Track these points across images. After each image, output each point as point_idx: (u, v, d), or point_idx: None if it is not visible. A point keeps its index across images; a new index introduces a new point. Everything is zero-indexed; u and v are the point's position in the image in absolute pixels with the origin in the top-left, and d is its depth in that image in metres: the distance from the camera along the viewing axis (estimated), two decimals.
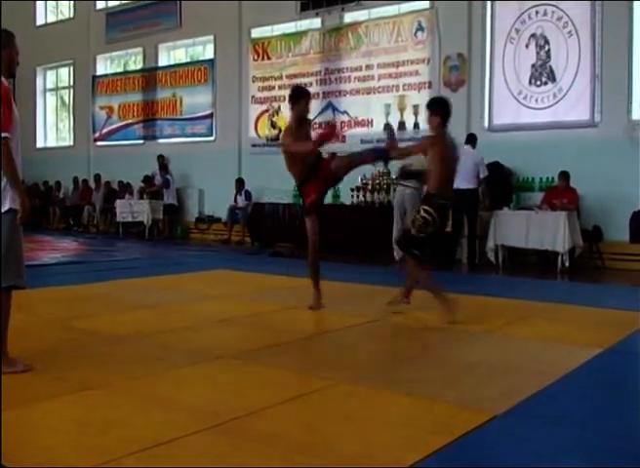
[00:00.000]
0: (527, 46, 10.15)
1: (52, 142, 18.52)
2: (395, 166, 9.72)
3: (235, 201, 13.07)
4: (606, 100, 9.43)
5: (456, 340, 4.84)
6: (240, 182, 13.15)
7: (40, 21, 18.29)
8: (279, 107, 13.14)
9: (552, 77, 9.92)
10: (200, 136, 14.53)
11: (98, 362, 3.99)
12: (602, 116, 9.47)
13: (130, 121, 16.04)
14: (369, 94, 11.88)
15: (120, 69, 16.80)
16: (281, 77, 13.07)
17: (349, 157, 6.02)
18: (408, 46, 11.35)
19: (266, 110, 13.36)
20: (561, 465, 2.65)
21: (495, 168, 9.76)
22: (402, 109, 11.51)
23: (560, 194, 9.10)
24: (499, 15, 10.44)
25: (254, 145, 13.57)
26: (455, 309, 5.12)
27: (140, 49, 15.86)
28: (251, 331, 5.02)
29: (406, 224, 6.34)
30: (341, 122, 12.02)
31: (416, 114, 11.35)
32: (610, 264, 9.17)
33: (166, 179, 14.11)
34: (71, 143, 17.71)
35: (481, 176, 9.20)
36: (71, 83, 17.79)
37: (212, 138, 14.34)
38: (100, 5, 16.82)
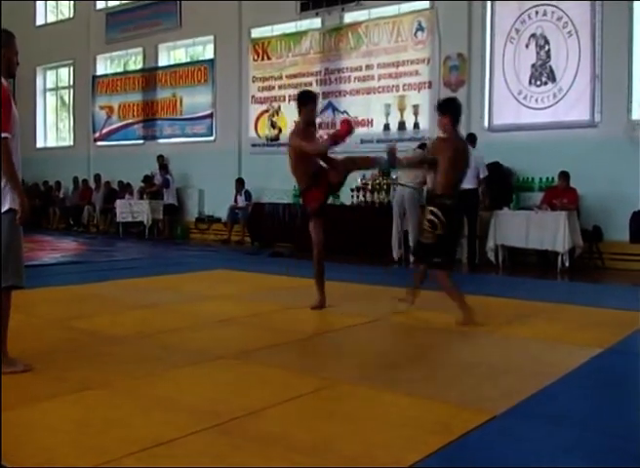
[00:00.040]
0: (527, 46, 10.15)
1: (52, 142, 18.52)
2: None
3: (235, 201, 13.07)
4: (606, 100, 9.43)
5: (456, 340, 4.85)
6: (240, 182, 13.15)
7: (40, 21, 18.29)
8: (279, 107, 13.15)
9: (552, 77, 9.92)
10: (200, 136, 14.53)
11: (97, 362, 3.99)
12: (602, 116, 9.47)
13: (130, 121, 16.04)
14: (369, 94, 11.88)
15: (120, 69, 16.80)
16: (281, 77, 13.07)
17: (352, 162, 5.97)
18: (408, 46, 11.35)
19: (266, 110, 13.36)
20: (561, 465, 2.65)
21: (495, 168, 9.76)
22: (402, 109, 11.51)
23: (560, 194, 9.10)
24: (499, 15, 10.44)
25: (254, 145, 13.57)
26: (473, 315, 5.10)
27: (140, 49, 15.86)
28: (251, 331, 5.02)
29: (417, 234, 6.22)
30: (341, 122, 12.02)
31: (416, 114, 11.35)
32: (610, 264, 9.17)
33: (166, 179, 14.11)
34: (71, 143, 17.71)
35: (481, 176, 9.20)
36: (71, 83, 17.79)
37: (212, 138, 14.34)
38: (100, 5, 16.82)
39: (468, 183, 8.94)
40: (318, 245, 5.73)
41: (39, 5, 18.38)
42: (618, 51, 9.32)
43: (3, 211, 3.61)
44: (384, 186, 10.77)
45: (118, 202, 14.31)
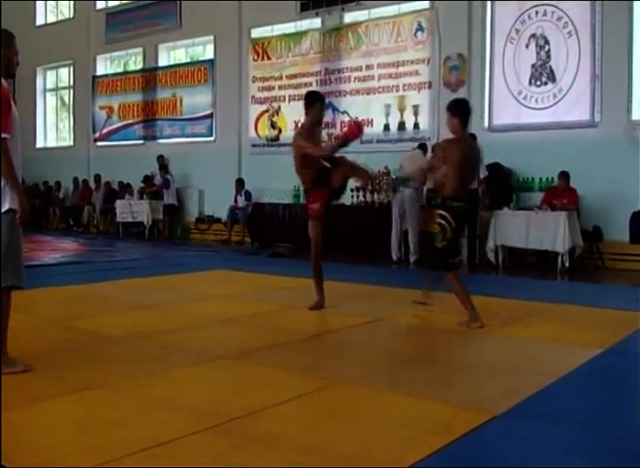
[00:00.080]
0: (527, 46, 10.15)
1: (52, 142, 18.53)
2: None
3: (235, 201, 13.07)
4: (606, 100, 9.43)
5: (456, 340, 4.85)
6: (240, 182, 13.14)
7: (40, 21, 18.30)
8: (279, 107, 13.15)
9: (552, 77, 9.92)
10: (200, 136, 14.53)
11: (98, 362, 3.99)
12: (602, 116, 9.47)
13: (130, 121, 16.05)
14: (369, 94, 11.89)
15: (120, 69, 16.80)
16: (281, 77, 13.08)
17: (352, 169, 5.92)
18: (408, 46, 11.35)
19: (266, 110, 13.36)
20: (561, 465, 2.65)
21: (495, 168, 9.75)
22: (402, 109, 11.52)
23: (560, 194, 9.10)
24: (499, 15, 10.44)
25: (254, 145, 13.57)
26: (479, 318, 5.09)
27: (140, 49, 15.86)
28: (251, 331, 5.02)
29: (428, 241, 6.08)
30: (342, 122, 12.03)
31: (416, 114, 11.36)
32: (610, 264, 9.17)
33: (166, 180, 14.11)
34: (71, 143, 17.71)
35: (481, 177, 9.19)
36: (71, 83, 17.79)
37: (212, 138, 14.34)
38: (100, 5, 16.82)
39: None
40: (316, 245, 5.73)
41: (39, 5, 18.38)
42: (618, 51, 9.32)
43: (3, 211, 3.61)
44: (384, 186, 10.77)
45: (118, 202, 14.31)
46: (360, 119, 11.87)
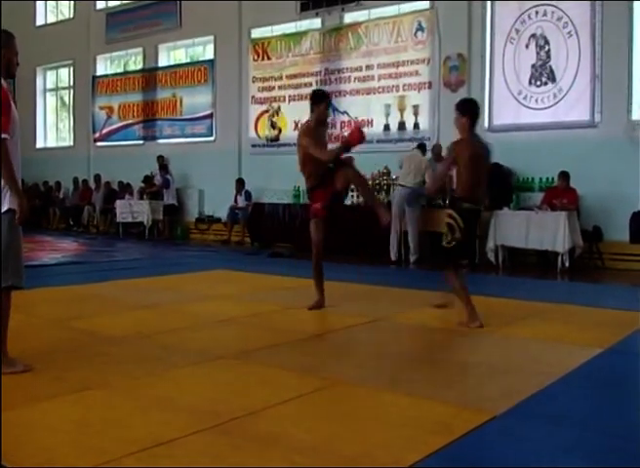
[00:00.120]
0: (527, 46, 10.15)
1: (52, 143, 18.53)
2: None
3: (235, 201, 13.07)
4: (606, 100, 9.43)
5: (456, 340, 4.85)
6: (240, 183, 13.14)
7: (40, 22, 18.30)
8: (279, 108, 13.15)
9: (552, 77, 9.92)
10: (200, 136, 14.53)
11: (97, 362, 3.99)
12: (602, 116, 9.47)
13: (130, 121, 16.05)
14: (369, 94, 11.89)
15: (120, 69, 16.80)
16: (281, 77, 13.08)
17: (356, 177, 5.88)
18: (408, 46, 11.35)
19: (266, 110, 13.36)
20: (561, 465, 2.65)
21: (495, 168, 9.73)
22: (402, 109, 11.52)
23: (560, 194, 9.10)
24: (499, 15, 10.44)
25: (254, 145, 13.57)
26: (478, 318, 5.08)
27: (140, 49, 15.86)
28: (251, 331, 5.02)
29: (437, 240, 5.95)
30: (341, 122, 12.04)
31: (416, 114, 11.36)
32: (610, 264, 9.17)
33: (166, 180, 14.11)
34: (71, 144, 17.71)
35: None
36: (71, 83, 17.79)
37: (212, 139, 14.34)
38: (100, 5, 16.82)
39: None
40: (317, 245, 5.73)
41: (39, 5, 18.38)
42: (618, 51, 9.32)
43: (3, 211, 3.61)
44: (384, 186, 10.77)
45: (118, 202, 14.31)
46: (360, 119, 11.90)
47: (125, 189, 14.98)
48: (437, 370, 4.00)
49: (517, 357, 4.28)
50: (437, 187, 6.73)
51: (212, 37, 14.28)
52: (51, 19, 18.32)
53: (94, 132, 16.78)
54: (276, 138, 13.12)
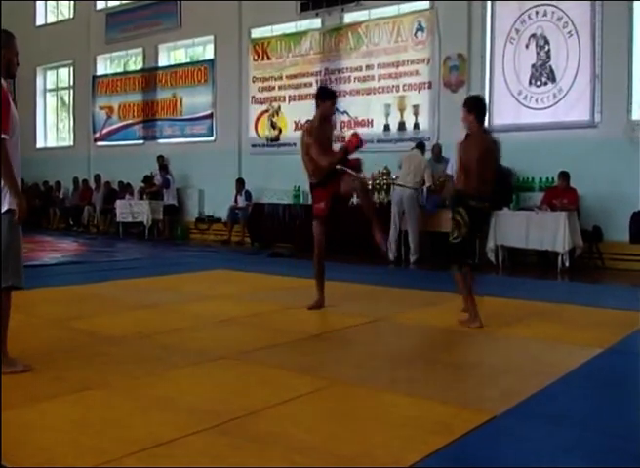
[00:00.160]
0: (527, 46, 10.15)
1: (52, 143, 18.53)
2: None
3: (235, 201, 13.07)
4: (606, 100, 9.43)
5: (456, 340, 4.85)
6: (240, 183, 13.14)
7: (40, 22, 18.30)
8: (279, 108, 13.15)
9: (552, 77, 9.92)
10: (200, 136, 14.53)
11: (97, 362, 3.99)
12: (602, 116, 9.47)
13: (130, 121, 16.05)
14: (369, 94, 11.88)
15: (120, 69, 16.80)
16: (281, 77, 13.08)
17: (360, 185, 5.85)
18: (408, 46, 11.35)
19: (266, 110, 13.36)
20: (561, 465, 2.65)
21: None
22: (402, 109, 11.52)
23: (560, 194, 9.10)
24: (499, 15, 10.44)
25: (254, 145, 13.57)
26: (478, 318, 5.06)
27: (140, 49, 15.86)
28: (251, 331, 5.02)
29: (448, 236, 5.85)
30: (342, 122, 12.03)
31: (416, 114, 11.36)
32: (610, 264, 9.17)
33: (166, 180, 14.11)
34: (71, 144, 17.71)
35: None
36: (71, 83, 17.79)
37: (212, 139, 14.34)
38: (100, 5, 16.82)
39: None
40: (319, 245, 5.73)
41: (39, 5, 18.38)
42: (618, 51, 9.32)
43: (3, 211, 3.61)
44: (384, 186, 10.76)
45: (118, 202, 14.31)
46: (360, 119, 11.91)
47: (125, 189, 14.98)
48: (437, 370, 3.99)
49: (517, 357, 4.28)
50: (448, 190, 6.69)
51: (212, 37, 14.28)
52: (51, 19, 18.32)
53: (94, 132, 16.78)
54: (276, 138, 13.12)
